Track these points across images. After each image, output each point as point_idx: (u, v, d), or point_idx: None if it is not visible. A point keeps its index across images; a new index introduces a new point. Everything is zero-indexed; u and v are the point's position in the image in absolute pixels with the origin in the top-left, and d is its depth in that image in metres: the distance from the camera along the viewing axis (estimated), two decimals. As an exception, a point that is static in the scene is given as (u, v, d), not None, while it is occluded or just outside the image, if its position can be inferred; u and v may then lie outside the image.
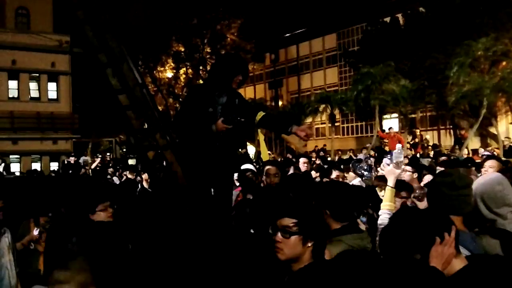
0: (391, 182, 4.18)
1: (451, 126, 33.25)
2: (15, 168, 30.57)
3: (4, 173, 20.45)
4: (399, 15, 33.52)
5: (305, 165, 9.67)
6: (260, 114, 5.23)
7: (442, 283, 2.36)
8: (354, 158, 18.29)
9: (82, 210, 4.55)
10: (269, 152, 28.18)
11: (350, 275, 2.74)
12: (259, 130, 5.49)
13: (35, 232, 5.95)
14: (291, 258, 2.81)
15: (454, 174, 3.45)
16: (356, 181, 8.09)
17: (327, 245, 3.16)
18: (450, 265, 2.45)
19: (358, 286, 2.65)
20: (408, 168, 7.66)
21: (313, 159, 20.89)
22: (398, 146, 4.64)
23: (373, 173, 8.90)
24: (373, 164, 9.49)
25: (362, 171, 9.06)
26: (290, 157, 22.74)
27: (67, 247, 2.04)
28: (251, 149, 28.64)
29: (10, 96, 33.12)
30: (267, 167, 6.19)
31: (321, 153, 26.67)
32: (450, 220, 2.56)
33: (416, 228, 2.51)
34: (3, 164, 23.30)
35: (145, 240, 3.72)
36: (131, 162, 16.80)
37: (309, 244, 2.81)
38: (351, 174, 9.15)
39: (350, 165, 9.68)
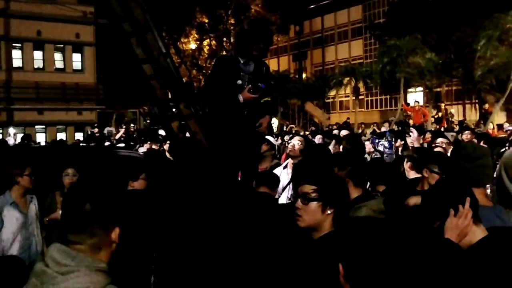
0: None
1: (477, 101, 32.81)
2: (41, 138, 30.97)
3: (32, 143, 20.67)
4: (427, -13, 32.91)
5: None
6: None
7: (456, 254, 2.37)
8: (378, 131, 18.18)
9: (122, 177, 4.59)
10: (291, 125, 28.13)
11: (365, 245, 2.75)
12: None
13: (60, 211, 6.03)
14: (311, 225, 2.80)
15: (468, 146, 3.44)
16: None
17: (353, 212, 3.18)
18: (470, 236, 2.46)
19: (371, 256, 2.67)
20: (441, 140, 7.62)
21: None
22: None
23: (393, 150, 8.80)
24: (393, 140, 9.36)
25: (383, 148, 8.95)
26: (314, 129, 22.69)
27: (84, 210, 2.07)
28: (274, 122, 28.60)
29: (36, 66, 33.37)
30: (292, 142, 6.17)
31: (344, 126, 26.54)
32: (466, 192, 2.56)
33: (433, 200, 2.55)
34: (18, 135, 23.55)
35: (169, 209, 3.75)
36: (162, 132, 16.76)
37: (329, 212, 2.79)
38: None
39: (370, 141, 9.59)
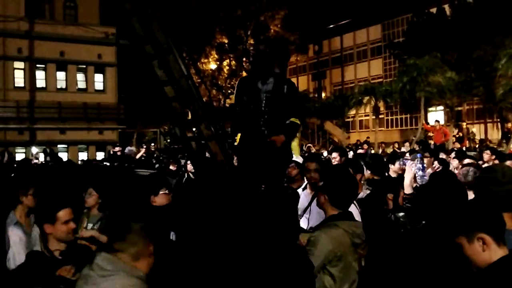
0: None
1: (498, 119, 32.53)
2: (63, 157, 31.23)
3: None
4: (446, 6, 32.89)
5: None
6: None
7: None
8: (398, 151, 18.06)
9: (143, 192, 4.64)
10: (309, 144, 28.10)
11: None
12: None
13: (83, 232, 6.03)
14: None
15: (498, 169, 3.37)
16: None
17: (324, 228, 3.43)
18: (490, 255, 2.46)
19: None
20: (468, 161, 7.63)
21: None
22: None
23: (426, 172, 8.68)
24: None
25: (416, 170, 8.82)
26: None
27: (126, 221, 2.38)
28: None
29: (58, 87, 33.84)
30: (307, 163, 6.12)
31: (365, 146, 26.42)
32: (494, 214, 2.56)
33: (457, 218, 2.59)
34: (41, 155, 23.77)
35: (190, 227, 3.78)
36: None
37: None
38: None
39: (401, 162, 9.47)
